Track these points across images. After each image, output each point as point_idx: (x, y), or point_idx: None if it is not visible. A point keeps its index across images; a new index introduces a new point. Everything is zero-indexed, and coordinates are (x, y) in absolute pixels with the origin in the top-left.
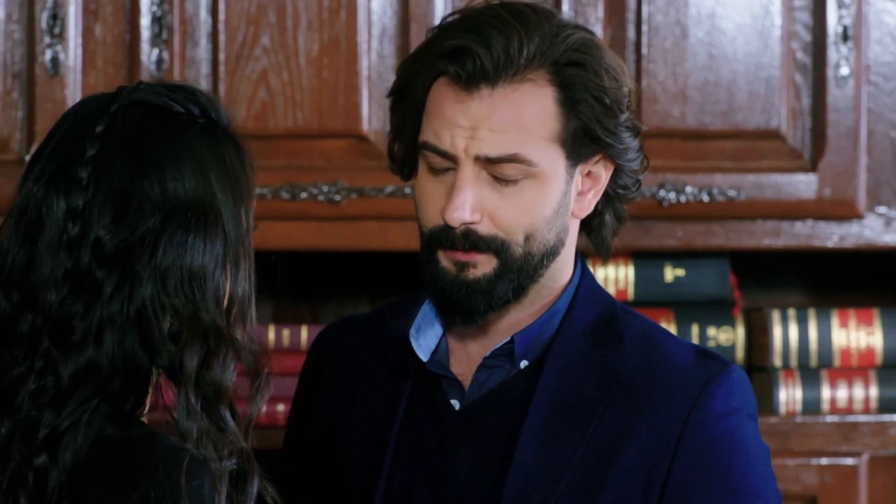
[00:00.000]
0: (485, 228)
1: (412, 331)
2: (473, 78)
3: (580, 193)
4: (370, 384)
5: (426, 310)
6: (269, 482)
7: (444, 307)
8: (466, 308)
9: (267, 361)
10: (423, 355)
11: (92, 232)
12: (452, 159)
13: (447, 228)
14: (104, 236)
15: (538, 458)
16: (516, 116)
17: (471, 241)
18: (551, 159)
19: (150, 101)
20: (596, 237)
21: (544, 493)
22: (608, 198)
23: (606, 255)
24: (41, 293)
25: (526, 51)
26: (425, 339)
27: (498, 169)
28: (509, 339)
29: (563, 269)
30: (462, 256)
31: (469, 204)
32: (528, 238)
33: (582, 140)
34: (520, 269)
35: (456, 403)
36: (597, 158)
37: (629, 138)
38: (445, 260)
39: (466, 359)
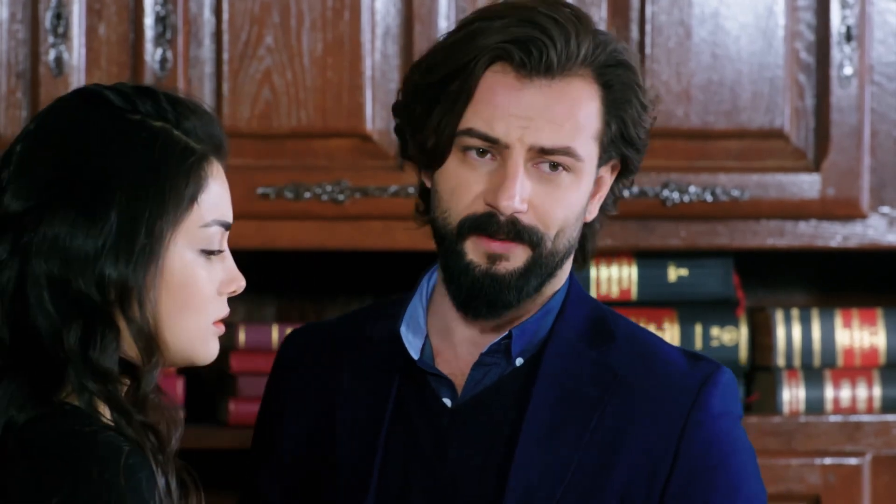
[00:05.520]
0: (527, 219)
1: (402, 329)
2: (537, 68)
3: (591, 197)
4: (354, 386)
5: (413, 311)
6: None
7: (469, 300)
8: (495, 301)
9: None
10: (415, 354)
11: (2, 201)
12: (502, 147)
13: (490, 215)
14: (6, 205)
15: (540, 456)
16: (571, 110)
17: (516, 229)
18: (590, 157)
19: (94, 90)
20: (587, 243)
21: (549, 491)
22: (600, 207)
23: (585, 264)
24: None
25: (584, 48)
26: (412, 340)
27: (548, 159)
28: (507, 333)
29: (566, 271)
30: (498, 247)
31: (521, 193)
32: (559, 233)
33: (614, 143)
34: (545, 265)
35: (447, 402)
36: (611, 163)
37: (644, 148)
38: (475, 252)
39: (454, 359)
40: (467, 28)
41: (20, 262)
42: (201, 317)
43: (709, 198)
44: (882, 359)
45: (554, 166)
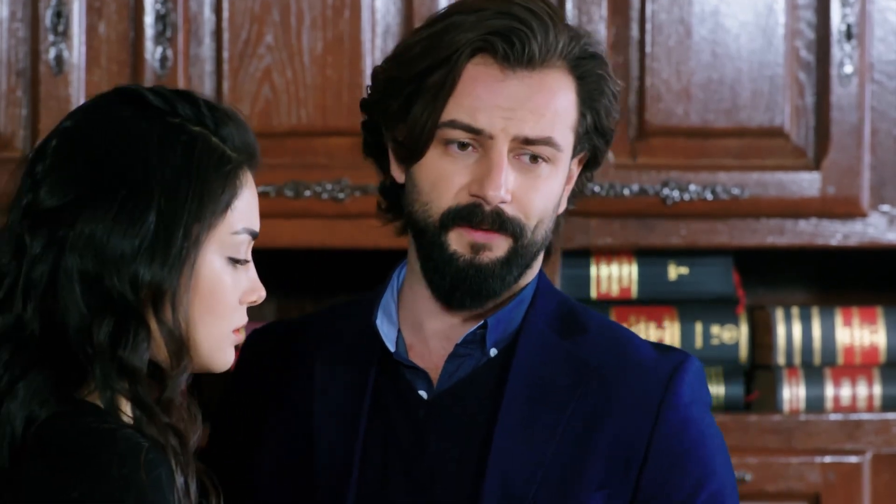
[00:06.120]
0: (511, 210)
1: (378, 322)
2: (520, 59)
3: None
4: (330, 380)
5: (386, 305)
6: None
7: (453, 291)
8: (479, 291)
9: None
10: (392, 346)
11: (38, 195)
12: (485, 138)
13: (475, 206)
14: (42, 200)
15: (517, 446)
16: (551, 101)
17: (501, 219)
18: (568, 147)
19: (133, 90)
20: (553, 237)
21: (526, 479)
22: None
23: (548, 256)
24: None
25: (561, 40)
26: (387, 333)
27: (530, 149)
28: (482, 322)
29: (539, 262)
30: (482, 237)
31: (506, 184)
32: (538, 224)
33: (588, 134)
34: (524, 256)
35: (424, 394)
36: (579, 156)
37: (612, 139)
38: (458, 242)
39: (427, 352)
40: (444, 21)
41: (54, 257)
42: (223, 324)
43: (709, 196)
44: (882, 357)
45: (534, 158)
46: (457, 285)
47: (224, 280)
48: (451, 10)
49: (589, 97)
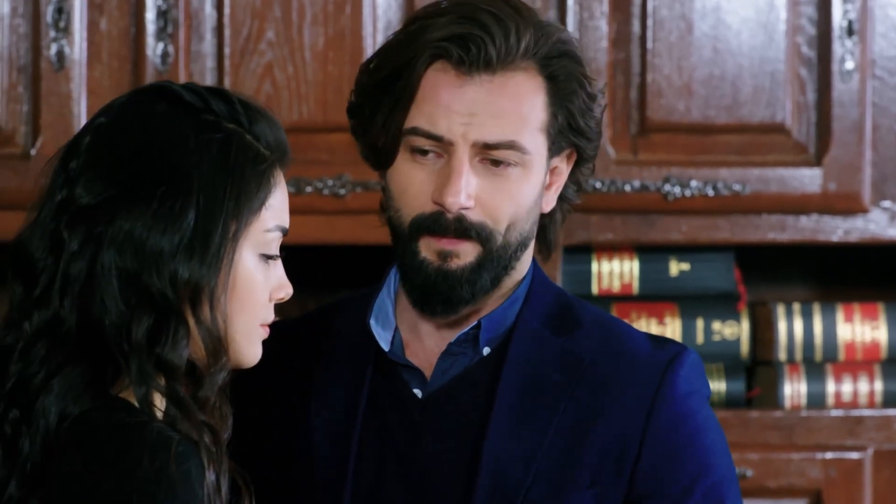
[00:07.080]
0: (475, 215)
1: (371, 322)
2: (476, 63)
3: (546, 188)
4: (326, 379)
5: (381, 304)
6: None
7: (425, 298)
8: (449, 298)
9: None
10: (386, 345)
11: (73, 192)
12: (446, 145)
13: (438, 214)
14: (78, 196)
15: (510, 443)
16: (514, 104)
17: (463, 226)
18: (538, 149)
19: (167, 87)
20: (549, 233)
21: (519, 476)
22: (561, 197)
23: (549, 254)
24: (29, 247)
25: (524, 41)
26: (381, 332)
27: (493, 154)
28: (476, 323)
29: (526, 261)
30: (447, 244)
31: (466, 189)
32: (509, 227)
33: (564, 132)
34: (498, 259)
35: (418, 392)
36: (566, 153)
37: (598, 137)
38: (427, 250)
39: (423, 351)
40: (410, 27)
41: (92, 254)
42: (255, 321)
43: (710, 192)
44: (883, 353)
45: (499, 162)
46: (427, 293)
47: (257, 277)
48: (418, 14)
49: (560, 96)
